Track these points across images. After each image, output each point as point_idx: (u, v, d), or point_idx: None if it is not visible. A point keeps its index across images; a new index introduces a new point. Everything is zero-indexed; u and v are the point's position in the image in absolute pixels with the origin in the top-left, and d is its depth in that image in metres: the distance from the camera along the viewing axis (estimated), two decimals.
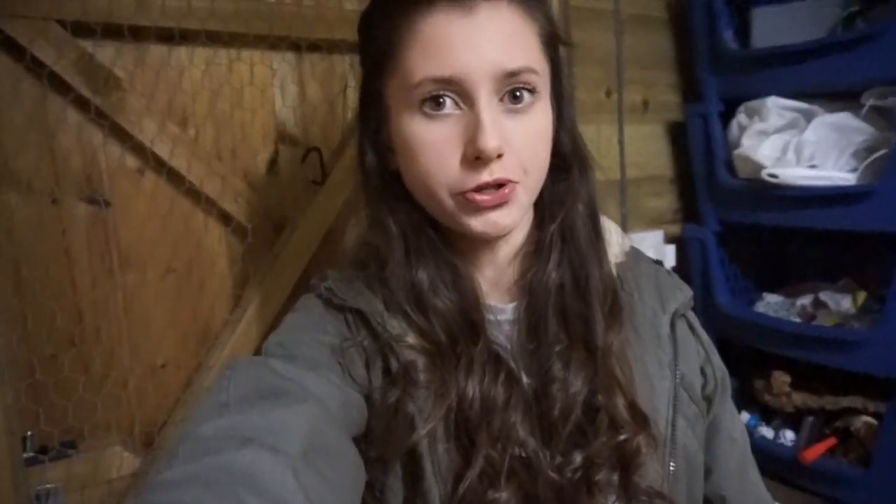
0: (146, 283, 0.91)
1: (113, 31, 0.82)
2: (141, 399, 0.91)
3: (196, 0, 0.86)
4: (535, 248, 0.62)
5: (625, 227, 1.35)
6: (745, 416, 1.30)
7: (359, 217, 0.67)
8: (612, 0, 1.30)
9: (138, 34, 0.84)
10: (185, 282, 0.93)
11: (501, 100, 0.54)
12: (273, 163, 0.99)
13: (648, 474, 0.59)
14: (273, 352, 0.56)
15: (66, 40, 0.79)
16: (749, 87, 1.25)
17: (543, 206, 0.62)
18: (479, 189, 0.54)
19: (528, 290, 0.62)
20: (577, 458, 0.57)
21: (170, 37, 0.86)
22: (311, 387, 0.51)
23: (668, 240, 1.39)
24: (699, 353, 0.67)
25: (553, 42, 0.59)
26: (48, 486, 0.82)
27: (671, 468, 0.61)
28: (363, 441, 0.56)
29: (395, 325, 0.58)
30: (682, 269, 1.41)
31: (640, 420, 0.59)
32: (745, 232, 1.34)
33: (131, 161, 0.88)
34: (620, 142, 1.34)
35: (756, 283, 1.42)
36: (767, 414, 1.31)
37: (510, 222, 0.57)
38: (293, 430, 0.45)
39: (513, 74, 0.53)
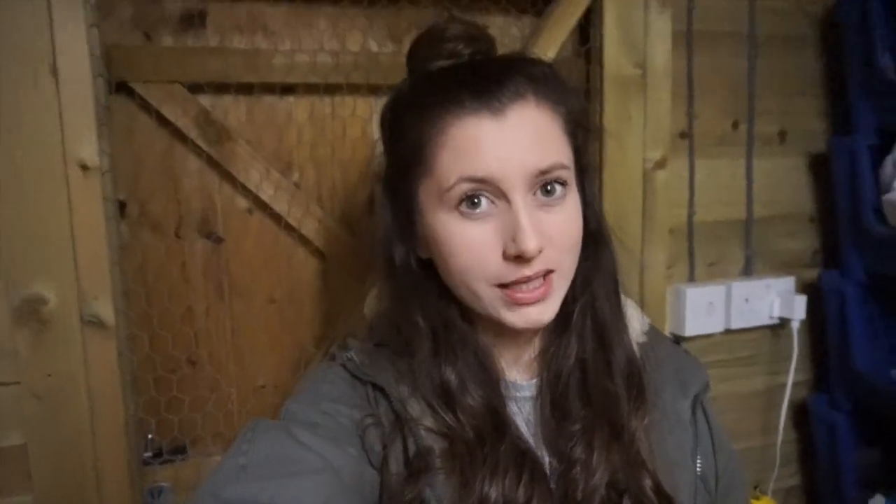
0: (251, 311, 1.00)
1: (225, 88, 0.91)
2: (242, 414, 1.01)
3: (299, 56, 0.93)
4: (557, 325, 0.62)
5: (749, 271, 1.23)
6: (880, 501, 1.14)
7: (376, 290, 0.69)
8: (746, 21, 1.18)
9: (247, 90, 0.93)
10: (284, 311, 1.02)
11: (535, 195, 0.55)
12: (370, 203, 1.04)
13: None
14: (292, 418, 0.57)
15: (187, 99, 0.90)
16: None
17: (570, 285, 0.61)
18: (520, 283, 0.55)
19: (549, 366, 0.62)
20: None
21: (275, 90, 0.94)
22: (330, 458, 0.52)
23: (801, 288, 1.24)
24: (712, 440, 0.65)
25: (576, 131, 0.59)
26: (161, 484, 0.95)
27: None
28: None
29: (414, 407, 0.58)
30: (814, 324, 1.25)
31: (667, 502, 0.58)
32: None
33: (241, 202, 0.97)
34: (748, 176, 1.22)
35: None
36: None
37: (549, 317, 0.58)
38: (308, 500, 0.47)
39: (544, 172, 0.54)
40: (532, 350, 0.64)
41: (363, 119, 0.99)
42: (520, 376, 0.64)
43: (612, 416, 0.59)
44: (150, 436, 0.96)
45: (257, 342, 1.01)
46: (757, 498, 1.14)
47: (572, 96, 0.60)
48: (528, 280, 0.55)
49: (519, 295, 0.55)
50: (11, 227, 0.81)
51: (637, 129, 1.05)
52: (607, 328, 0.62)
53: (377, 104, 1.00)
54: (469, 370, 0.60)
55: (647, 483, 0.58)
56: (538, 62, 0.60)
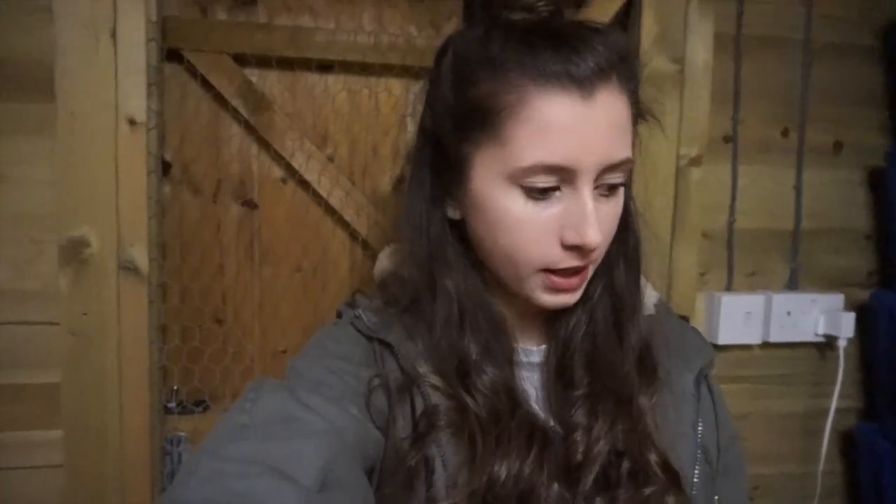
0: (278, 278, 1.04)
1: (268, 62, 0.97)
2: (262, 376, 1.04)
3: (339, 34, 0.98)
4: (575, 302, 0.61)
5: (793, 285, 1.17)
6: None
7: (391, 247, 0.70)
8: (801, 27, 1.14)
9: (288, 64, 0.98)
10: (310, 280, 1.05)
11: (597, 185, 0.54)
12: (399, 182, 1.06)
13: None
14: (297, 377, 0.57)
15: (233, 69, 0.96)
16: None
17: None
18: (564, 270, 0.55)
19: (559, 335, 0.62)
20: (599, 503, 0.56)
21: (314, 66, 0.99)
22: (332, 418, 0.51)
23: (850, 306, 1.17)
24: (715, 414, 0.64)
25: (638, 117, 0.58)
26: (179, 433, 1.00)
27: None
28: (373, 476, 0.57)
29: (422, 364, 0.58)
30: (865, 347, 1.17)
31: (673, 478, 0.57)
32: None
33: (276, 171, 1.02)
34: (798, 186, 1.17)
35: None
36: None
37: (574, 301, 0.58)
38: (310, 461, 0.46)
39: (615, 166, 0.53)
40: (542, 316, 0.63)
41: (396, 98, 1.03)
42: (530, 342, 0.64)
43: (620, 390, 0.59)
44: (175, 387, 1.01)
45: (282, 308, 1.05)
46: None
47: (637, 77, 0.57)
48: (576, 269, 0.55)
49: (560, 281, 0.55)
50: (65, 173, 0.88)
51: (672, 125, 1.03)
52: (623, 308, 0.61)
53: (412, 86, 1.03)
54: (487, 346, 0.59)
55: (653, 458, 0.56)
56: (619, 35, 0.56)
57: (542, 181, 0.52)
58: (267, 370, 1.04)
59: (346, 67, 0.99)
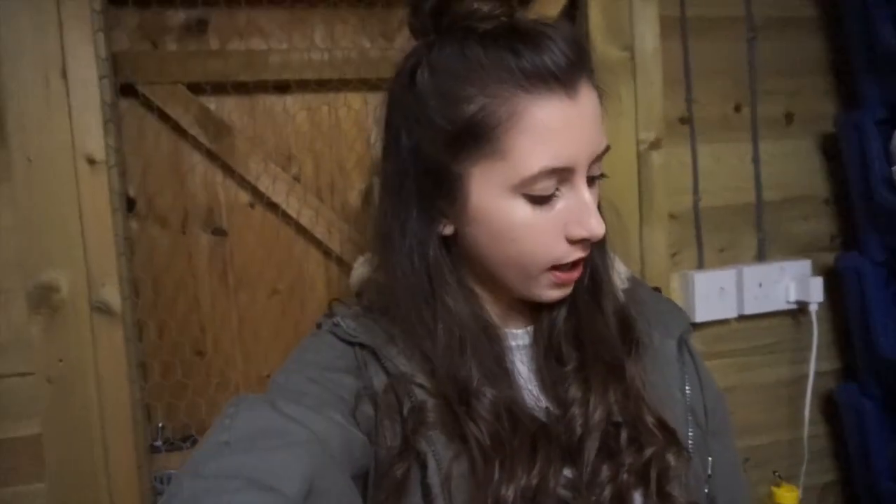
0: (256, 302, 1.04)
1: (224, 87, 0.96)
2: None
3: (294, 54, 0.98)
4: None
5: (762, 256, 1.20)
6: None
7: (366, 256, 0.70)
8: (741, 4, 1.18)
9: (246, 89, 0.98)
10: (288, 301, 1.05)
11: (585, 175, 0.56)
12: (368, 195, 1.07)
13: (680, 487, 0.58)
14: (278, 389, 0.56)
15: (189, 98, 0.95)
16: None
17: None
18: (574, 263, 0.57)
19: (542, 315, 0.63)
20: (605, 472, 0.56)
21: (271, 88, 0.99)
22: (315, 427, 0.50)
23: (819, 273, 1.20)
24: (699, 377, 0.66)
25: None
26: (169, 471, 0.98)
27: None
28: (363, 483, 0.57)
29: (404, 363, 0.58)
30: (834, 306, 1.21)
31: (670, 435, 0.58)
32: None
33: (243, 196, 1.02)
34: (755, 159, 1.20)
35: None
36: None
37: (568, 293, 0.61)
38: (294, 472, 0.45)
39: (599, 156, 0.56)
40: (525, 302, 0.64)
41: (356, 112, 1.03)
42: (516, 326, 0.65)
43: (608, 358, 0.60)
44: (160, 424, 1.00)
45: (262, 333, 1.04)
46: (777, 485, 1.08)
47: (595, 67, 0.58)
48: (578, 261, 0.57)
49: (566, 276, 0.58)
50: (26, 218, 0.87)
51: (628, 111, 1.05)
52: (600, 281, 0.63)
53: (370, 98, 1.04)
54: (486, 370, 0.58)
55: (649, 419, 0.58)
56: (572, 28, 0.58)
57: (547, 186, 0.53)
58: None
59: (303, 86, 0.99)
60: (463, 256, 0.61)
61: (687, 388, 0.64)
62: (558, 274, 0.57)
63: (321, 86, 1.00)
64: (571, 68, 0.52)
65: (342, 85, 1.00)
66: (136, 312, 0.96)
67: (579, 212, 0.54)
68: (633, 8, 1.04)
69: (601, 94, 0.57)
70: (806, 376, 1.18)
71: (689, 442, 0.62)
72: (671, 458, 0.57)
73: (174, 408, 0.99)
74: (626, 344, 0.62)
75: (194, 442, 1.00)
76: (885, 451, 1.13)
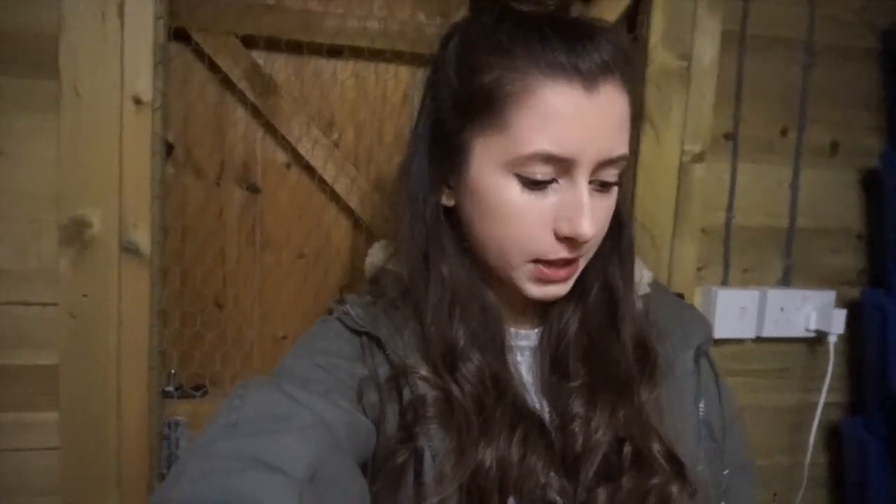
0: (280, 264, 1.04)
1: (276, 44, 0.95)
2: (262, 362, 1.04)
3: (349, 20, 0.97)
4: (569, 294, 0.61)
5: (787, 281, 1.20)
6: None
7: (381, 243, 0.70)
8: (804, 28, 1.16)
9: (297, 48, 0.97)
10: (312, 267, 1.05)
11: (593, 179, 0.54)
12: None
13: None
14: (286, 374, 0.57)
15: (240, 51, 0.95)
16: None
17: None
18: (554, 261, 0.56)
19: (552, 324, 0.63)
20: (602, 495, 0.56)
21: (322, 50, 0.98)
22: (322, 412, 0.51)
23: (842, 304, 1.19)
24: (716, 390, 0.65)
25: (636, 115, 0.58)
26: (177, 418, 0.99)
27: None
28: (364, 469, 0.58)
29: (409, 355, 0.59)
30: (854, 344, 1.20)
31: (678, 467, 0.57)
32: None
33: (281, 156, 1.01)
34: (794, 185, 1.19)
35: None
36: None
37: (564, 293, 0.59)
38: (300, 455, 0.46)
39: (612, 162, 0.54)
40: (536, 302, 0.63)
41: (404, 85, 1.02)
42: (523, 326, 0.65)
43: (619, 382, 0.59)
44: (172, 371, 1.00)
45: (283, 294, 1.04)
46: None
47: (638, 79, 0.60)
48: (566, 261, 0.55)
49: (549, 272, 0.56)
50: (68, 152, 0.86)
51: (677, 121, 1.04)
52: (618, 302, 0.62)
53: (420, 73, 1.03)
54: (476, 333, 0.59)
55: (657, 448, 0.57)
56: (622, 33, 0.59)
57: (541, 171, 0.52)
58: (267, 356, 1.04)
59: (355, 53, 0.98)
60: (461, 233, 0.60)
61: (702, 402, 0.63)
62: (542, 269, 0.55)
63: (373, 55, 0.99)
64: (597, 66, 0.51)
65: (394, 57, 0.99)
66: (164, 258, 0.96)
67: (572, 208, 0.53)
68: (696, 19, 1.02)
69: (637, 108, 0.57)
70: (814, 404, 1.18)
71: (701, 454, 0.61)
72: (674, 490, 0.56)
73: (189, 357, 1.00)
74: (641, 371, 0.60)
75: (205, 393, 1.01)
76: (885, 487, 1.14)
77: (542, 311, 0.64)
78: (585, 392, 0.59)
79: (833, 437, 1.24)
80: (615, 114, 0.53)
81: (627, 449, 0.57)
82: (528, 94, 0.51)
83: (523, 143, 0.52)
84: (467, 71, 0.55)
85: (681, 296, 0.74)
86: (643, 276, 0.67)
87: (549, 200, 0.53)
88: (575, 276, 0.59)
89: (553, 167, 0.52)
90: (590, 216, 0.52)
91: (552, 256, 0.55)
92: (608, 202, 0.56)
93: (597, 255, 0.61)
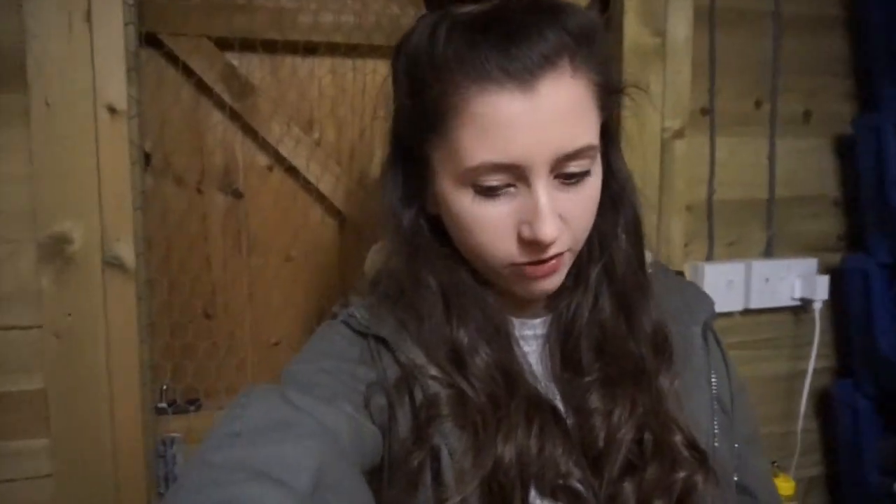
0: (268, 268, 1.02)
1: (250, 45, 0.94)
2: (256, 370, 1.02)
3: (323, 15, 0.95)
4: (572, 282, 0.61)
5: (769, 252, 1.22)
6: None
7: (381, 243, 0.68)
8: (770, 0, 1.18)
9: (272, 47, 0.95)
10: (301, 268, 1.03)
11: (556, 175, 0.53)
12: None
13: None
14: (291, 380, 0.56)
15: (214, 53, 0.92)
16: None
17: (586, 242, 0.60)
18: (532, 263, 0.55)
19: (560, 318, 0.62)
20: (629, 488, 0.55)
21: (298, 48, 0.96)
22: (325, 419, 0.50)
23: (824, 272, 1.22)
24: (724, 363, 0.65)
25: (607, 96, 0.55)
26: (172, 434, 0.96)
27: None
28: (378, 476, 0.57)
29: (419, 355, 0.57)
30: (837, 304, 1.23)
31: (700, 457, 0.57)
32: None
33: (262, 158, 0.99)
34: (771, 157, 1.21)
35: None
36: None
37: (557, 285, 0.58)
38: (303, 464, 0.45)
39: (571, 156, 0.52)
40: (541, 298, 0.63)
41: (383, 79, 1.01)
42: (528, 315, 0.64)
43: (636, 374, 0.58)
44: (164, 386, 0.98)
45: (273, 298, 1.02)
46: (775, 475, 1.11)
47: (609, 57, 0.56)
48: (541, 261, 0.54)
49: (529, 270, 0.55)
50: (41, 165, 0.83)
51: (656, 98, 1.05)
52: (628, 290, 0.60)
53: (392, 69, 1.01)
54: (479, 330, 0.58)
55: (679, 439, 0.56)
56: (579, 12, 0.53)
57: (492, 180, 0.51)
58: (261, 363, 1.02)
59: (332, 49, 0.97)
60: (450, 239, 0.60)
61: (713, 376, 0.63)
62: (521, 269, 0.55)
63: (350, 50, 0.97)
64: (533, 63, 0.49)
65: (371, 51, 0.98)
66: (149, 270, 0.93)
67: (531, 212, 0.51)
68: None
69: (608, 85, 0.54)
70: (804, 371, 1.20)
71: (715, 430, 0.61)
72: (699, 480, 0.56)
73: (182, 369, 0.97)
74: (658, 359, 0.59)
75: (199, 406, 0.98)
76: (876, 446, 1.17)
77: (547, 299, 0.63)
78: (602, 386, 0.58)
79: (823, 401, 1.26)
80: (563, 107, 0.50)
81: (648, 438, 0.56)
82: (464, 107, 0.50)
83: (468, 158, 0.51)
84: (413, 89, 0.55)
85: (681, 274, 0.74)
86: (646, 257, 0.65)
87: (507, 207, 0.53)
88: (563, 270, 0.57)
89: (505, 174, 0.51)
90: (550, 217, 0.51)
91: (524, 260, 0.54)
92: (581, 194, 0.54)
93: (596, 241, 0.60)
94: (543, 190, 0.51)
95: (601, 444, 0.56)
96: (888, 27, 1.12)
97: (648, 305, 0.61)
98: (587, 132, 0.52)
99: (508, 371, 0.58)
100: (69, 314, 0.86)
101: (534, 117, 0.49)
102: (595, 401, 0.57)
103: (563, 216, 0.53)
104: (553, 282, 0.57)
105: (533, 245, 0.53)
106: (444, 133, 0.52)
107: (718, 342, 0.66)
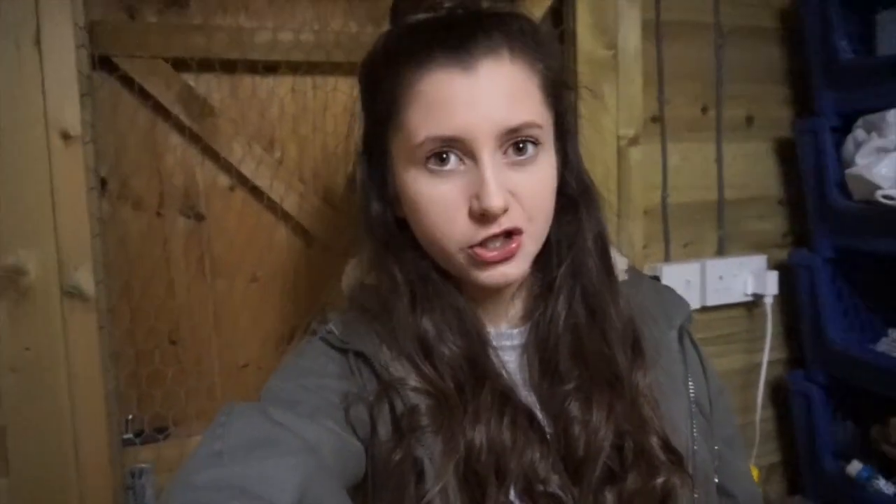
0: (234, 290, 1.00)
1: (208, 65, 0.92)
2: (224, 394, 1.00)
3: (282, 34, 0.95)
4: (542, 290, 0.62)
5: (722, 251, 1.27)
6: (857, 466, 1.16)
7: (357, 259, 0.69)
8: (712, 12, 1.23)
9: (230, 67, 0.94)
10: (267, 289, 1.02)
11: (505, 153, 0.55)
12: (352, 180, 1.05)
13: None
14: (271, 397, 0.56)
15: (170, 74, 0.91)
16: (869, 100, 1.13)
17: (551, 247, 0.62)
18: (487, 241, 0.55)
19: (537, 328, 0.62)
20: (609, 497, 0.56)
21: (257, 68, 0.95)
22: (308, 436, 0.50)
23: (773, 266, 1.28)
24: (701, 367, 0.66)
25: (556, 89, 0.59)
26: (141, 465, 0.93)
27: (695, 496, 0.60)
28: (362, 491, 0.57)
29: (398, 368, 0.58)
30: (787, 298, 1.29)
31: (676, 459, 0.58)
32: (865, 260, 1.20)
33: (223, 179, 0.98)
34: (719, 160, 1.26)
35: (881, 318, 1.26)
36: (886, 466, 1.16)
37: (518, 273, 0.58)
38: (287, 482, 0.45)
39: (514, 130, 0.54)
40: (515, 309, 0.64)
41: (345, 96, 1.01)
42: (503, 325, 0.65)
43: (611, 378, 0.59)
44: (129, 416, 0.95)
45: (240, 321, 1.01)
46: None
47: (553, 55, 0.59)
48: (494, 237, 0.55)
49: (484, 252, 0.55)
50: None
51: (610, 108, 1.08)
52: (597, 291, 0.61)
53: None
54: (446, 321, 0.59)
55: (655, 441, 0.57)
56: (518, 17, 0.58)
57: (439, 153, 0.54)
58: (230, 387, 1.00)
59: (292, 67, 0.96)
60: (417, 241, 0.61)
61: (690, 380, 0.64)
62: (476, 251, 0.55)
63: (311, 68, 0.97)
64: (477, 49, 0.53)
65: (332, 68, 0.98)
66: (111, 298, 0.90)
67: (478, 184, 0.53)
68: (618, 9, 1.07)
69: (555, 81, 0.58)
70: (759, 364, 1.25)
71: (694, 433, 0.62)
72: (676, 483, 0.57)
73: (149, 398, 0.94)
74: (632, 359, 0.60)
75: (168, 435, 0.96)
76: (829, 432, 1.23)
77: (522, 309, 0.64)
78: (580, 393, 0.59)
79: (778, 392, 1.32)
80: (502, 85, 0.54)
81: (629, 446, 0.57)
82: (412, 91, 0.54)
83: (414, 135, 0.54)
84: (371, 90, 0.59)
85: (656, 278, 0.76)
86: (618, 263, 0.67)
87: (458, 184, 0.54)
88: (522, 258, 0.57)
89: (450, 148, 0.54)
90: (495, 187, 0.52)
91: (478, 239, 0.55)
92: (532, 175, 0.56)
93: (563, 245, 0.62)
94: (489, 163, 0.53)
95: (581, 452, 0.56)
96: (822, 37, 1.19)
97: (618, 305, 0.62)
98: (529, 110, 0.55)
99: (476, 364, 0.58)
100: (27, 348, 0.83)
101: (473, 93, 0.53)
102: (574, 409, 0.58)
103: (513, 192, 0.54)
104: (512, 269, 0.57)
105: (483, 219, 0.54)
106: (397, 119, 0.56)
107: (695, 345, 0.68)
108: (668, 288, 0.73)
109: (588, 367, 0.60)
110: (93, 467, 0.87)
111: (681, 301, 0.70)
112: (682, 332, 0.67)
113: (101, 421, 0.87)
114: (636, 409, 0.58)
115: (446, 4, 0.58)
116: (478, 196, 0.53)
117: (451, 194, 0.54)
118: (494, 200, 0.52)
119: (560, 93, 0.60)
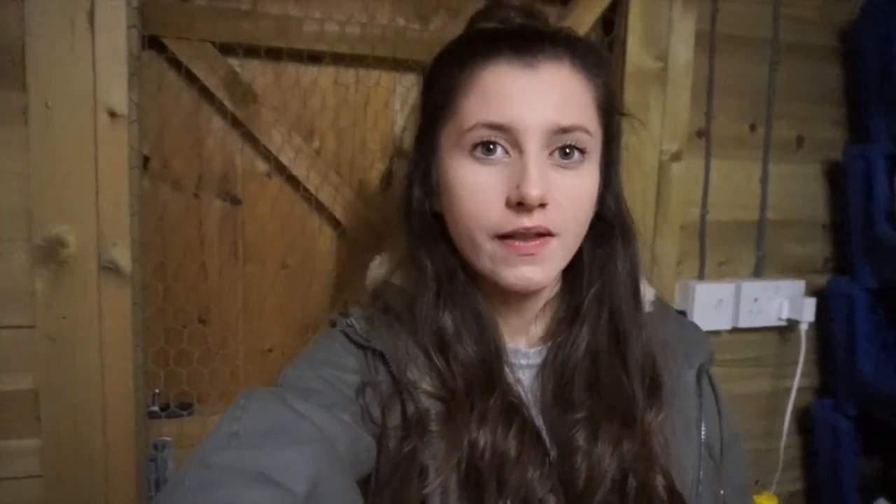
0: (263, 275, 1.01)
1: (254, 52, 0.93)
2: (248, 376, 1.02)
3: (328, 25, 0.95)
4: (568, 314, 0.62)
5: (759, 273, 1.24)
6: (882, 503, 1.13)
7: (383, 257, 0.70)
8: (770, 27, 1.19)
9: (276, 54, 0.95)
10: (296, 277, 1.03)
11: (551, 154, 0.56)
12: (388, 176, 1.05)
13: None
14: (290, 385, 0.57)
15: (217, 58, 0.92)
16: None
17: (581, 270, 0.62)
18: (517, 235, 0.55)
19: (557, 352, 0.62)
20: None
21: (302, 57, 0.96)
22: (324, 426, 0.51)
23: (811, 292, 1.24)
24: (716, 410, 0.65)
25: (609, 109, 0.60)
26: (164, 438, 0.96)
27: None
28: (369, 484, 0.58)
29: (413, 371, 0.58)
30: (822, 327, 1.25)
31: (678, 501, 0.57)
32: None
33: (261, 166, 0.99)
34: (763, 180, 1.23)
35: None
36: None
37: (542, 278, 0.57)
38: (300, 469, 0.45)
39: (565, 131, 0.55)
40: (537, 327, 0.64)
41: (387, 92, 1.01)
42: (522, 343, 0.64)
43: (624, 411, 0.58)
44: (156, 390, 0.97)
45: (267, 306, 1.02)
46: (758, 493, 1.13)
47: (609, 76, 0.61)
48: (526, 231, 0.55)
49: (516, 243, 0.55)
50: (39, 169, 0.82)
51: (655, 121, 1.06)
52: (623, 321, 0.61)
53: (401, 79, 1.02)
54: (466, 322, 0.60)
55: (659, 481, 0.57)
56: (582, 39, 0.61)
57: (484, 136, 0.55)
58: (254, 370, 1.02)
59: (336, 59, 0.97)
60: (449, 237, 0.62)
61: (703, 422, 0.63)
62: (507, 242, 0.55)
63: (354, 61, 0.97)
64: (542, 53, 0.55)
65: (376, 62, 0.98)
66: (145, 276, 0.93)
67: (519, 175, 0.54)
68: (671, 20, 1.04)
69: (608, 98, 0.60)
70: (788, 390, 1.23)
71: (700, 476, 0.61)
72: None
73: (175, 375, 0.97)
74: (648, 397, 0.59)
75: (192, 411, 0.98)
76: (854, 465, 1.20)
77: (543, 330, 0.64)
78: (590, 424, 0.58)
79: (805, 420, 1.29)
80: (561, 88, 0.55)
81: (632, 484, 0.56)
82: (471, 80, 0.56)
83: (467, 119, 0.55)
84: (432, 84, 0.61)
85: (682, 313, 0.74)
86: (646, 294, 0.66)
87: (501, 173, 0.55)
88: (549, 262, 0.57)
89: (499, 137, 0.55)
90: (538, 179, 0.53)
91: (510, 228, 0.55)
92: (573, 181, 0.56)
93: (595, 268, 0.62)
94: (534, 155, 0.54)
95: (581, 483, 0.56)
96: (880, 60, 1.14)
97: (641, 338, 0.61)
98: (582, 115, 0.56)
99: (491, 371, 0.59)
100: (63, 317, 0.86)
101: (531, 88, 0.55)
102: (581, 439, 0.57)
103: (552, 193, 0.54)
104: (537, 272, 0.56)
105: (519, 208, 0.54)
106: (453, 105, 0.57)
107: (714, 387, 0.66)
108: (692, 324, 0.73)
109: (601, 397, 0.59)
110: (118, 436, 0.89)
111: (703, 339, 0.69)
112: (701, 373, 0.65)
113: (128, 392, 0.89)
114: (645, 446, 0.58)
115: (517, 20, 0.61)
116: (518, 185, 0.53)
117: (491, 182, 0.55)
118: (533, 189, 0.53)
119: (612, 113, 0.61)
